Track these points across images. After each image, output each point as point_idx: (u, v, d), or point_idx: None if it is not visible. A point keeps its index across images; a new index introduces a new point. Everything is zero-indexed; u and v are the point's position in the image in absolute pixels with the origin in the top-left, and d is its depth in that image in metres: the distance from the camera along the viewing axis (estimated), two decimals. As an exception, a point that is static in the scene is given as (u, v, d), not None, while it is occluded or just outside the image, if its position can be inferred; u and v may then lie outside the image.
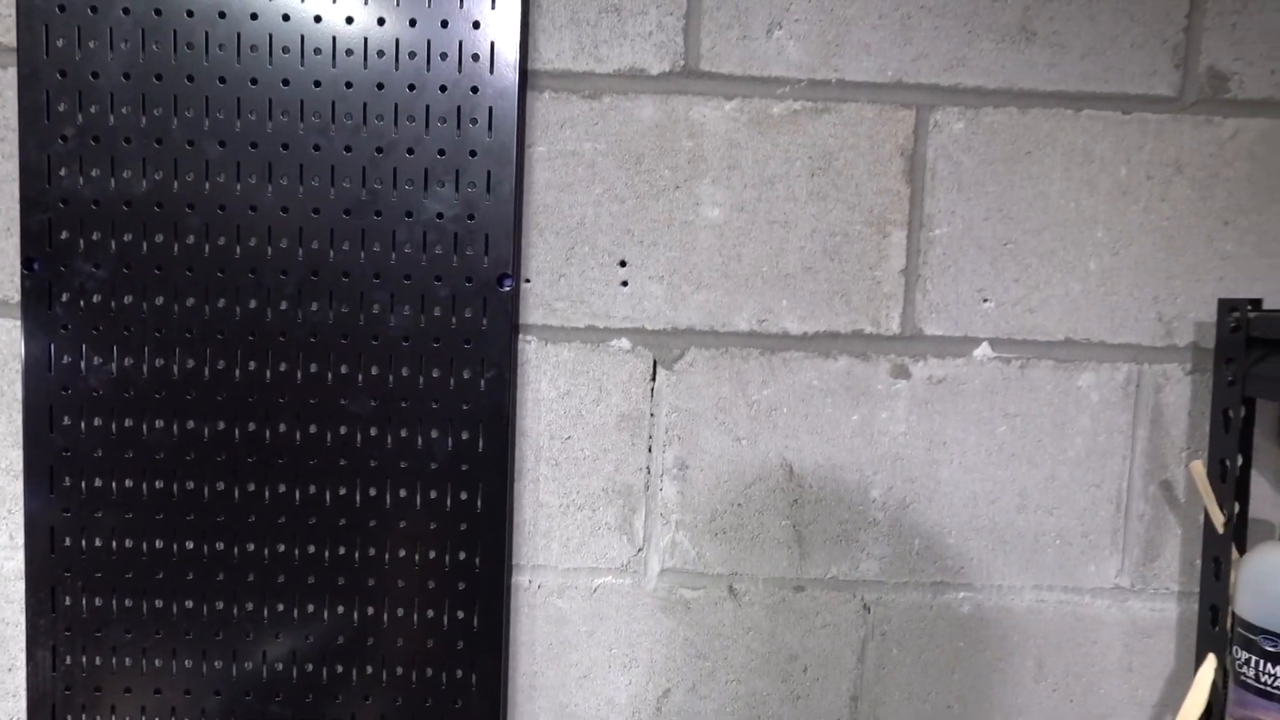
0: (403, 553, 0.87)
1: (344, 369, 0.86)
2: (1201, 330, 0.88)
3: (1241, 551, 0.83)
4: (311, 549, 0.87)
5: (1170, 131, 0.87)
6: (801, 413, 0.89)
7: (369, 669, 0.88)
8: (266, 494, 0.87)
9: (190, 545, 0.87)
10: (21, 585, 0.90)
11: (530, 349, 0.88)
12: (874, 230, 0.87)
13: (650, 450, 0.89)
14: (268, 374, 0.86)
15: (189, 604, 0.88)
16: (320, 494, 0.87)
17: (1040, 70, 0.86)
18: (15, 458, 0.89)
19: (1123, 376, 0.89)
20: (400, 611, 0.88)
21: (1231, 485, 0.81)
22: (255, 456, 0.87)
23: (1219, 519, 0.82)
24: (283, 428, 0.87)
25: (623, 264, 0.88)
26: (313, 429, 0.87)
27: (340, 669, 0.88)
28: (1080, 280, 0.88)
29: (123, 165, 0.85)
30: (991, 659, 0.91)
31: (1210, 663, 0.84)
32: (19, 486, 0.89)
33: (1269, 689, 0.75)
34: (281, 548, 0.87)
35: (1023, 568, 0.90)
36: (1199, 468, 0.82)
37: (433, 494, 0.87)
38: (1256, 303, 0.82)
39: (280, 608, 0.88)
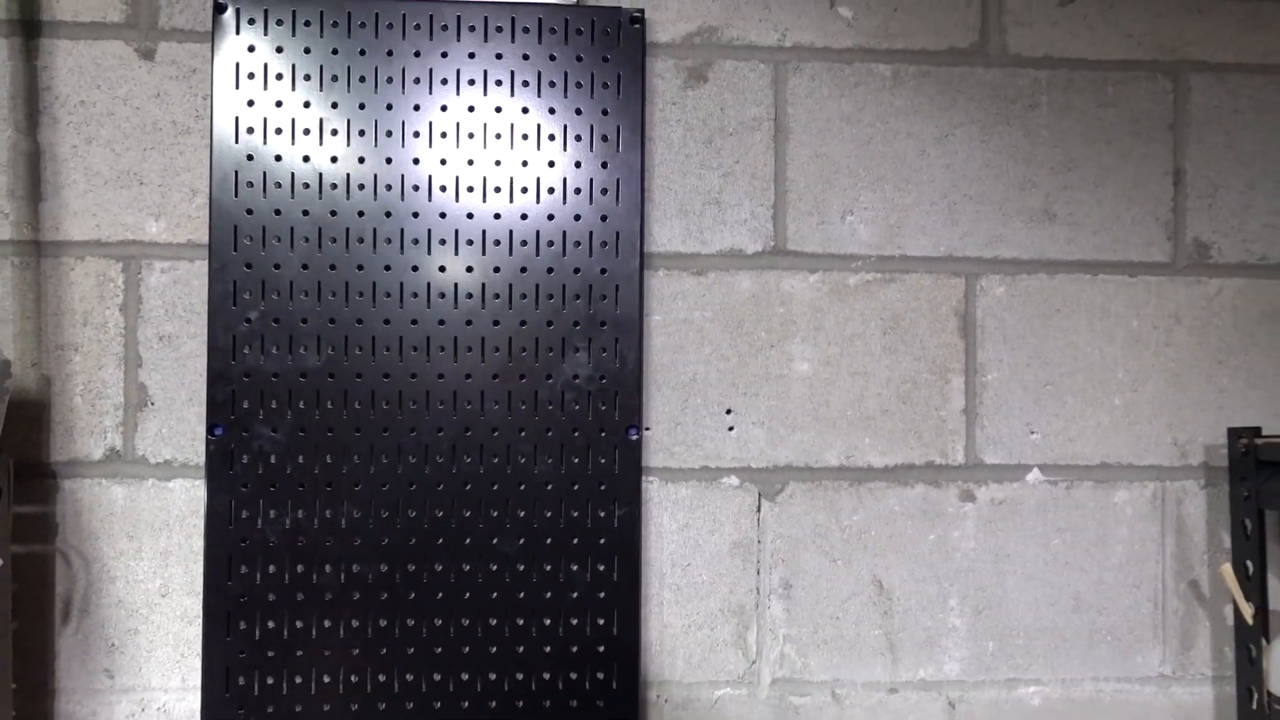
0: (548, 676, 0.98)
1: (494, 513, 0.99)
2: (1210, 452, 1.06)
3: (1267, 639, 0.99)
4: (465, 676, 0.98)
5: (1168, 290, 1.07)
6: (886, 534, 1.03)
7: (537, 785, 0.97)
8: (424, 629, 0.98)
9: (355, 679, 0.97)
10: (197, 725, 0.98)
11: (653, 488, 1.02)
12: (937, 377, 1.04)
13: (759, 573, 1.02)
14: (426, 521, 0.98)
15: (373, 733, 0.97)
16: (473, 627, 0.98)
17: (1062, 244, 1.06)
18: (190, 605, 0.98)
19: (1150, 493, 1.05)
20: (565, 730, 0.98)
21: (1258, 584, 0.97)
22: (415, 594, 0.98)
23: (1249, 613, 0.97)
24: (439, 567, 0.98)
25: (729, 412, 1.03)
26: (466, 567, 0.98)
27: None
28: (1108, 413, 1.05)
29: (299, 343, 0.98)
30: (1060, 746, 1.04)
31: (1250, 738, 0.98)
32: (194, 631, 0.98)
33: (1306, 758, 0.89)
34: (438, 677, 0.98)
35: (1081, 662, 1.04)
36: (1229, 570, 0.98)
37: (574, 621, 0.98)
38: (1256, 430, 1.00)
39: (460, 732, 0.98)
